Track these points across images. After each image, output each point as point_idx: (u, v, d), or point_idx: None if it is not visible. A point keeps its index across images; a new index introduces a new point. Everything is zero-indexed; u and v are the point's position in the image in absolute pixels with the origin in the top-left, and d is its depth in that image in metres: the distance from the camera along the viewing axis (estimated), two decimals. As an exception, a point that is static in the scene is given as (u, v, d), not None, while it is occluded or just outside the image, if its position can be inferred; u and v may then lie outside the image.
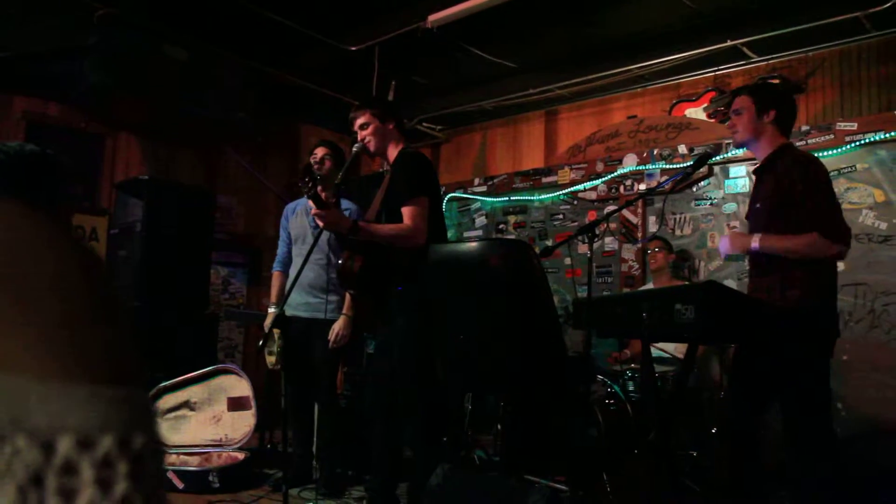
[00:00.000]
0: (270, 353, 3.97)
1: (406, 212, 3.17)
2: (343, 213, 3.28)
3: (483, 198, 6.66)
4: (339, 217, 3.12)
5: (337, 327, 3.93)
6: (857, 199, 4.53)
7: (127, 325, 0.41)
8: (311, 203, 3.09)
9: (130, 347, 0.40)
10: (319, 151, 4.13)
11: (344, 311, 3.98)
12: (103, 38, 4.86)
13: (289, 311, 3.96)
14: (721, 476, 3.00)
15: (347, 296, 3.99)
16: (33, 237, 0.38)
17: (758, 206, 2.93)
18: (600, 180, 5.87)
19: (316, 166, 4.05)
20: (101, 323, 0.39)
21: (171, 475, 3.90)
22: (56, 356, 0.36)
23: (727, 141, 4.96)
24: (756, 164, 3.11)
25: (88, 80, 4.98)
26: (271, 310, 4.20)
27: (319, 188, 3.07)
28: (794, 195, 2.76)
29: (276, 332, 3.88)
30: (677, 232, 5.37)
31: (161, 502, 0.39)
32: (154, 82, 5.28)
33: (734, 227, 5.03)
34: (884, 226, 4.42)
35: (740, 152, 4.79)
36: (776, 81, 5.12)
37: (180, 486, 3.87)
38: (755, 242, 2.78)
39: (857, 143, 4.56)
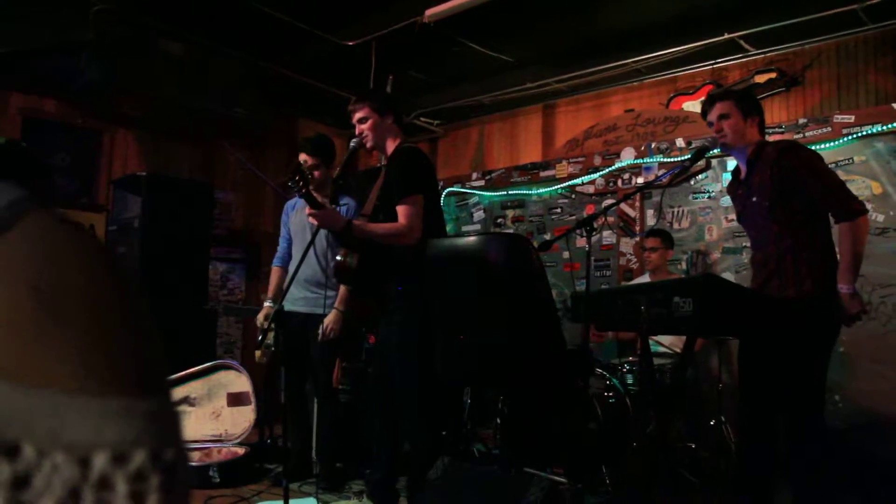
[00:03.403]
0: (257, 348, 3.98)
1: (401, 210, 3.17)
2: (338, 211, 3.29)
3: (481, 192, 6.66)
4: (333, 216, 3.13)
5: (327, 321, 3.92)
6: (854, 191, 4.49)
7: (155, 334, 0.41)
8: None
9: (159, 357, 0.40)
10: (304, 160, 4.00)
11: (336, 305, 3.97)
12: (100, 33, 4.85)
13: (287, 306, 3.97)
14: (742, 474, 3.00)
15: (341, 290, 3.99)
16: (66, 247, 0.38)
17: (754, 199, 2.94)
18: (598, 174, 5.87)
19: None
20: (132, 334, 0.39)
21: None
22: (92, 370, 0.36)
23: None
24: (734, 168, 3.18)
25: (85, 76, 4.97)
26: (267, 304, 4.21)
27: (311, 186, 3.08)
28: (797, 180, 2.79)
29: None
30: (675, 225, 5.37)
31: None
32: (151, 78, 5.27)
33: (732, 220, 5.04)
34: (881, 218, 4.43)
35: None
36: (773, 75, 5.12)
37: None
38: (847, 290, 2.73)
39: (855, 136, 4.57)
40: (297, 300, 4.03)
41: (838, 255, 2.79)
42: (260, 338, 3.30)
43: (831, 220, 2.90)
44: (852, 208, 2.78)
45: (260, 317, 4.20)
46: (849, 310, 2.73)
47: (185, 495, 0.39)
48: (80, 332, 0.36)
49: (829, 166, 4.51)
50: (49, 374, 0.35)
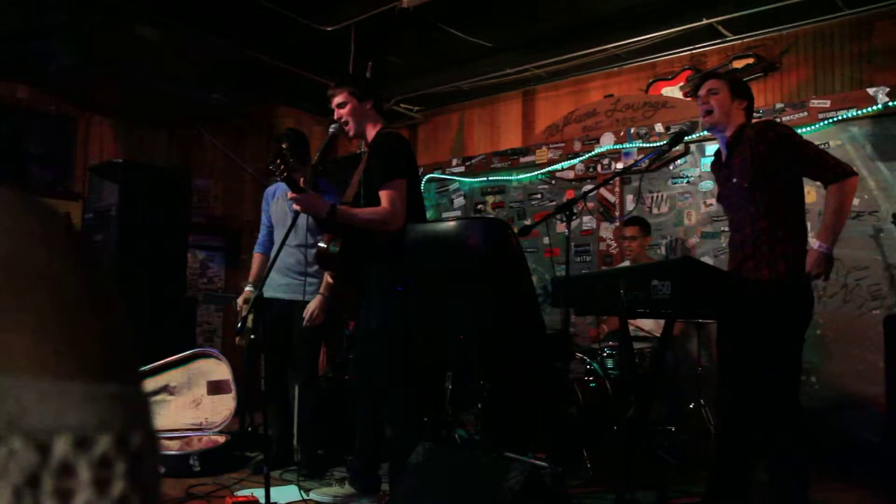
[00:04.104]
0: (237, 334, 3.89)
1: (384, 195, 3.16)
2: (320, 196, 3.27)
3: (461, 178, 6.65)
4: (315, 201, 3.11)
5: (311, 306, 3.90)
6: (830, 175, 4.58)
7: (123, 318, 0.40)
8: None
9: (127, 341, 0.39)
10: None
11: (321, 290, 3.96)
12: (73, 17, 4.77)
13: (269, 293, 3.94)
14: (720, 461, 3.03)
15: (326, 277, 3.97)
16: (29, 225, 0.37)
17: (734, 180, 2.97)
18: (578, 159, 5.88)
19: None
20: (98, 317, 0.38)
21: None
22: (54, 353, 0.35)
23: (703, 119, 4.98)
24: (716, 150, 3.22)
25: (59, 62, 4.88)
26: (247, 288, 4.17)
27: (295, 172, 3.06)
28: (778, 157, 2.83)
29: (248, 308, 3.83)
30: (654, 210, 5.40)
31: (157, 499, 0.38)
32: (127, 63, 5.20)
33: (710, 204, 5.07)
34: (856, 202, 4.47)
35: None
36: (751, 60, 5.15)
37: (161, 470, 3.86)
38: (822, 248, 2.76)
39: (830, 121, 4.61)
40: (279, 287, 4.01)
41: (840, 210, 2.82)
42: (239, 325, 3.27)
43: (805, 202, 2.94)
44: (842, 170, 2.81)
45: (240, 300, 4.17)
46: (815, 268, 2.76)
47: (153, 483, 0.38)
48: (43, 312, 0.35)
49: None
50: (8, 356, 0.34)
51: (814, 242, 2.79)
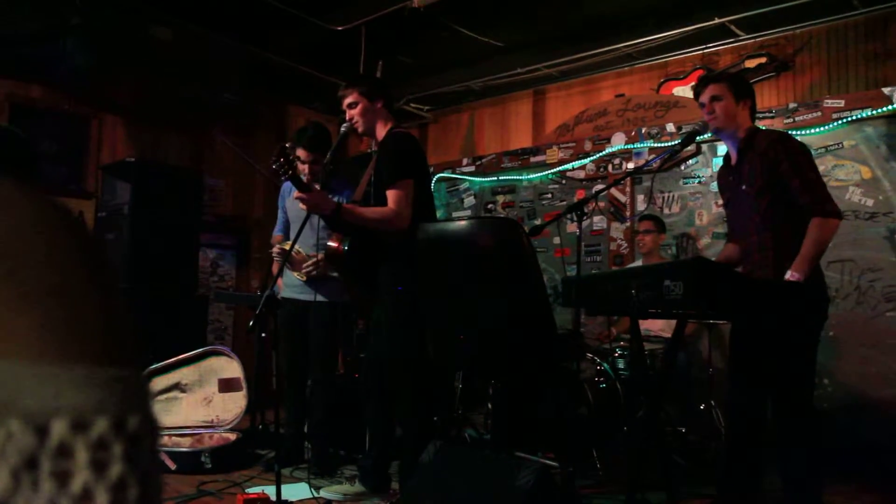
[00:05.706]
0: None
1: (390, 195, 3.17)
2: (326, 194, 3.26)
3: (471, 178, 6.65)
4: (322, 199, 3.11)
5: (310, 260, 3.83)
6: (843, 175, 4.56)
7: (121, 303, 0.40)
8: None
9: (125, 326, 0.40)
10: (302, 155, 3.93)
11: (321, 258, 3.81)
12: (87, 18, 4.79)
13: (284, 293, 3.95)
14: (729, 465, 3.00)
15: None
16: (25, 215, 0.37)
17: (743, 188, 2.94)
18: (588, 159, 5.87)
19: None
20: (95, 302, 0.38)
21: (163, 456, 3.90)
22: (51, 337, 0.35)
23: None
24: (725, 154, 3.16)
25: (72, 62, 4.92)
26: (285, 242, 3.99)
27: (300, 168, 3.05)
28: (780, 172, 2.79)
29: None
30: (665, 210, 5.38)
31: (156, 482, 0.38)
32: (139, 63, 5.23)
33: (721, 205, 5.04)
34: (870, 202, 4.45)
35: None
36: (763, 60, 5.12)
37: (172, 466, 3.88)
38: (795, 278, 2.69)
39: (845, 121, 4.58)
40: (294, 287, 4.01)
41: (817, 245, 2.75)
42: (251, 323, 3.20)
43: None
44: (830, 208, 2.75)
45: (275, 250, 4.02)
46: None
47: (150, 465, 0.38)
48: (39, 298, 0.35)
49: (819, 151, 4.55)
50: (6, 340, 0.34)
51: (788, 273, 2.71)
